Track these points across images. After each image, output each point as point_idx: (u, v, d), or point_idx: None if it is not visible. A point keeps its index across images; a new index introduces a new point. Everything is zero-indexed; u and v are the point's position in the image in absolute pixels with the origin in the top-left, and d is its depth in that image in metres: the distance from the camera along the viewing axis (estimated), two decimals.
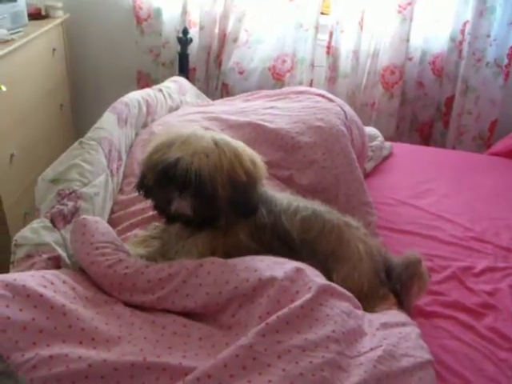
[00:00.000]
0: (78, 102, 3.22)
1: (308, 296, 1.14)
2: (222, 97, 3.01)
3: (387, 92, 2.98)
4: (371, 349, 1.13)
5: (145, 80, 3.14)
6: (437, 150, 2.77)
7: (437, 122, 3.12)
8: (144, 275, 1.24)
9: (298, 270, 1.22)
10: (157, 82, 2.95)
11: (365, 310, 1.37)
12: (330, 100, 2.02)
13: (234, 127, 1.86)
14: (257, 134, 1.83)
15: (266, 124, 1.84)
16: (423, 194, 2.23)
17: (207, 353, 1.09)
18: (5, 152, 2.39)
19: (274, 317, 1.09)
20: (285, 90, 2.21)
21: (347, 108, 2.07)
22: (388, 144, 2.52)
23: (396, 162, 2.50)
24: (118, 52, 3.23)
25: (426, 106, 3.09)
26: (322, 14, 2.95)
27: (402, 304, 1.49)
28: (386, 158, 2.48)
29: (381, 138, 2.47)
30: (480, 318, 1.57)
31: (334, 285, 1.24)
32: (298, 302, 1.12)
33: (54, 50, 2.88)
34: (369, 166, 2.30)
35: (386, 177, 2.34)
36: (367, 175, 2.30)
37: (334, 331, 1.10)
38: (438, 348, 1.45)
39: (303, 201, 1.49)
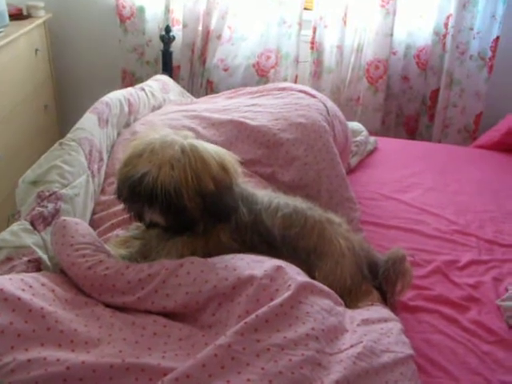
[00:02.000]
0: (62, 102, 3.19)
1: (287, 294, 1.14)
2: (206, 94, 3.00)
3: (372, 86, 2.98)
4: (351, 345, 1.12)
5: (129, 79, 3.12)
6: (422, 144, 2.77)
7: (422, 116, 3.13)
8: (124, 276, 1.23)
9: (278, 268, 1.21)
10: (141, 80, 2.94)
11: (348, 305, 1.37)
12: (312, 96, 2.01)
13: (216, 125, 1.85)
14: (239, 131, 1.82)
15: (248, 121, 1.83)
16: (408, 188, 2.24)
17: (187, 353, 1.08)
18: None
19: (252, 315, 1.09)
20: (267, 86, 2.20)
21: (330, 103, 2.06)
22: (373, 139, 2.52)
23: (381, 156, 2.50)
24: (101, 51, 3.21)
25: (411, 99, 3.10)
26: (306, 9, 2.94)
27: (386, 300, 1.50)
28: (371, 153, 2.48)
29: (365, 133, 2.46)
30: (464, 312, 1.58)
31: (314, 282, 1.24)
32: (277, 301, 1.12)
33: (36, 50, 2.86)
34: (353, 161, 2.30)
35: (371, 171, 2.34)
36: (352, 170, 2.30)
37: (313, 329, 1.10)
38: (422, 342, 1.46)
39: (284, 198, 1.49)
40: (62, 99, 3.21)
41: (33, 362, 1.01)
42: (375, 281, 1.49)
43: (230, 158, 1.37)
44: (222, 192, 1.32)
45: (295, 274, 1.22)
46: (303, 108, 1.87)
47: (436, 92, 3.02)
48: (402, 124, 3.17)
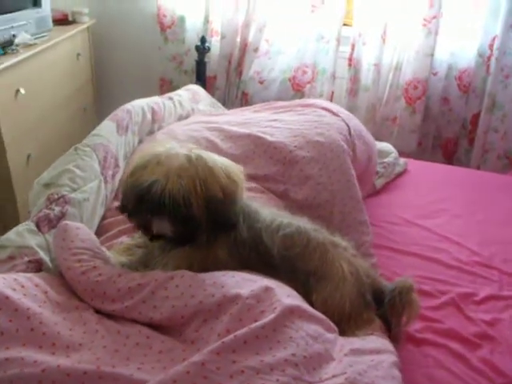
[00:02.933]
0: (101, 105, 3.27)
1: (271, 316, 1.11)
2: (241, 105, 3.01)
3: (409, 107, 2.90)
4: (333, 376, 1.08)
5: (167, 86, 3.17)
6: (456, 169, 2.67)
7: (461, 140, 3.02)
8: (115, 284, 1.23)
9: (267, 289, 1.18)
10: (178, 88, 2.94)
11: (345, 332, 1.33)
12: (335, 114, 1.97)
13: (234, 138, 1.84)
14: (256, 146, 1.81)
15: (266, 137, 1.81)
16: (433, 214, 2.15)
17: (164, 366, 1.07)
18: (22, 152, 2.45)
19: (231, 336, 1.06)
20: (294, 102, 2.18)
21: (354, 122, 2.02)
22: (402, 161, 2.44)
23: (410, 179, 2.42)
24: (141, 58, 3.28)
25: (450, 122, 3.00)
26: (345, 25, 2.90)
27: (389, 330, 1.44)
28: (399, 175, 2.41)
29: (395, 155, 2.39)
30: (475, 349, 1.49)
31: (304, 306, 1.20)
32: (259, 322, 1.09)
33: (78, 54, 2.95)
34: (379, 182, 2.24)
35: (397, 194, 2.27)
36: (377, 192, 2.24)
37: (293, 355, 1.06)
38: (423, 377, 1.39)
39: (289, 217, 1.45)
40: (101, 103, 3.29)
41: (11, 361, 1.02)
42: (380, 309, 1.44)
43: (235, 169, 1.36)
44: (230, 201, 1.31)
45: (284, 297, 1.18)
46: (323, 126, 1.84)
47: (477, 116, 2.90)
48: (440, 147, 3.07)
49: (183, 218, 1.26)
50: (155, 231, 1.32)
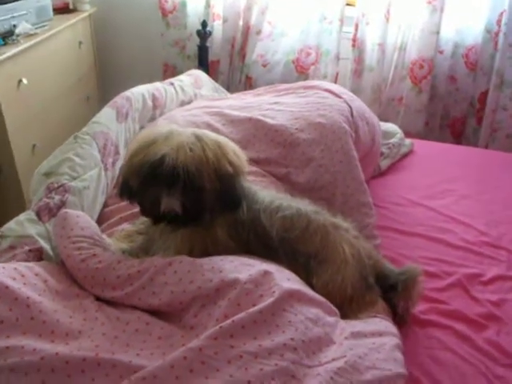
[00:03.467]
0: (104, 94, 3.26)
1: (269, 301, 1.10)
2: (245, 89, 2.97)
3: (416, 87, 2.86)
4: (333, 359, 1.07)
5: (170, 72, 3.15)
6: (463, 148, 2.63)
7: (469, 119, 2.96)
8: (115, 271, 1.23)
9: (266, 273, 1.17)
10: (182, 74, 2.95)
11: (347, 315, 1.32)
12: (338, 96, 1.94)
13: (235, 122, 1.83)
14: (256, 129, 1.79)
15: (267, 120, 1.79)
16: (440, 195, 2.12)
17: (163, 352, 1.07)
18: (27, 142, 2.46)
19: (229, 320, 1.06)
20: (296, 84, 2.15)
21: (357, 104, 1.98)
22: (408, 141, 2.41)
23: (416, 160, 2.39)
24: (144, 44, 3.26)
25: (457, 101, 2.94)
26: (348, 5, 2.85)
27: (394, 312, 1.43)
28: (405, 156, 2.37)
29: (400, 135, 2.36)
30: (480, 330, 1.47)
31: (304, 289, 1.19)
32: (257, 307, 1.08)
33: (80, 42, 2.94)
34: (384, 163, 2.21)
35: (402, 175, 2.24)
36: (382, 173, 2.22)
37: (292, 339, 1.06)
38: (428, 359, 1.38)
39: (289, 199, 1.44)
40: (105, 91, 3.28)
41: (11, 350, 1.03)
42: (385, 293, 1.43)
43: (239, 148, 1.37)
44: (238, 177, 1.32)
45: (283, 281, 1.17)
46: (325, 108, 1.81)
47: (485, 94, 2.84)
48: (447, 126, 3.02)
49: (196, 190, 1.25)
50: (163, 208, 1.26)
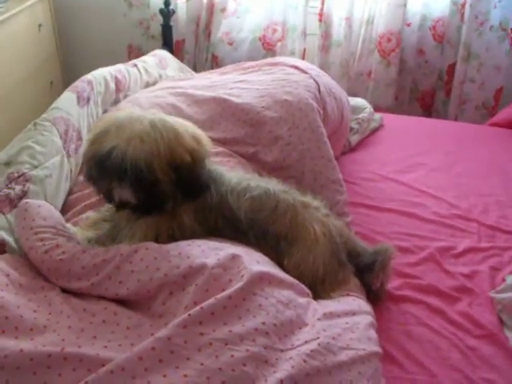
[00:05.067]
0: (69, 78, 3.16)
1: (239, 285, 1.07)
2: (212, 68, 2.92)
3: (384, 60, 2.84)
4: (306, 342, 1.06)
5: (135, 53, 3.07)
6: (433, 121, 2.63)
7: (438, 91, 2.96)
8: (79, 261, 1.20)
9: (234, 256, 1.15)
10: None
11: (320, 295, 1.31)
12: (304, 71, 1.90)
13: (200, 102, 1.78)
14: (222, 109, 1.75)
15: (232, 99, 1.75)
16: (411, 169, 2.12)
17: (131, 343, 1.04)
18: None
19: (197, 307, 1.03)
20: (262, 61, 2.10)
21: (324, 79, 1.95)
22: (378, 116, 2.39)
23: (386, 134, 2.38)
24: (107, 26, 3.16)
25: (426, 74, 2.94)
26: None
27: (367, 289, 1.43)
28: (375, 131, 2.36)
29: (369, 110, 2.34)
30: (453, 303, 1.49)
31: (274, 271, 1.17)
32: (226, 292, 1.06)
33: (39, 25, 2.83)
34: (354, 139, 2.20)
35: (372, 150, 2.23)
36: (352, 149, 2.20)
37: (263, 323, 1.04)
38: (402, 335, 1.38)
39: (257, 180, 1.41)
40: (69, 75, 3.17)
41: None
42: (358, 271, 1.43)
43: (202, 132, 1.31)
44: (198, 164, 1.27)
45: (252, 263, 1.15)
46: (291, 85, 1.77)
47: (453, 66, 2.84)
48: (417, 100, 3.02)
49: (146, 184, 1.20)
50: (117, 199, 1.26)
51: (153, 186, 1.22)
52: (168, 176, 1.22)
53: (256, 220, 1.32)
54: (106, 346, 1.03)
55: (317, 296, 1.29)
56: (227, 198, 1.31)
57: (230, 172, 1.41)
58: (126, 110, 1.31)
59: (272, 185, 1.39)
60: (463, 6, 2.73)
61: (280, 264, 1.30)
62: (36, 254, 1.22)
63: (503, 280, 1.57)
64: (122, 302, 1.16)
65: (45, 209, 1.34)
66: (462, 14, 2.75)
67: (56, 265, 1.20)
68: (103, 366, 0.97)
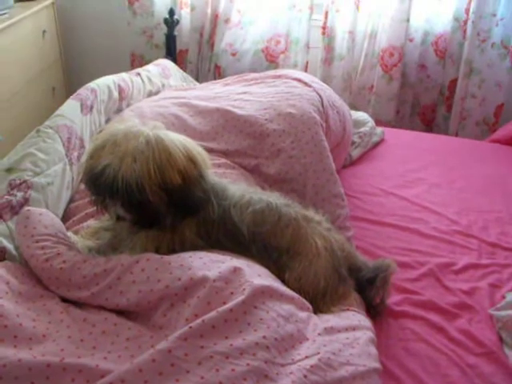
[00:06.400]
0: (71, 84, 3.17)
1: (240, 298, 1.07)
2: (214, 79, 2.94)
3: (386, 75, 2.85)
4: (306, 356, 1.05)
5: (138, 62, 3.08)
6: (434, 137, 2.64)
7: (440, 107, 2.98)
8: (80, 270, 1.19)
9: (236, 269, 1.14)
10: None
11: (320, 309, 1.31)
12: (307, 85, 1.91)
13: (203, 113, 1.78)
14: (225, 120, 1.75)
15: (236, 110, 1.75)
16: (412, 184, 2.12)
17: (131, 354, 1.03)
18: None
19: (199, 320, 1.02)
20: (265, 73, 2.11)
21: (327, 93, 1.96)
22: (380, 130, 2.40)
23: (388, 149, 2.38)
24: (111, 33, 3.18)
25: (428, 89, 2.95)
26: None
27: (367, 304, 1.42)
28: (376, 145, 2.37)
29: (371, 124, 2.35)
30: (453, 320, 1.48)
31: (275, 285, 1.17)
32: (227, 305, 1.05)
33: (44, 31, 2.84)
34: (355, 152, 2.20)
35: (374, 165, 2.23)
36: (353, 163, 2.21)
37: (264, 337, 1.03)
38: (402, 351, 1.38)
39: (259, 193, 1.41)
40: (72, 82, 3.18)
41: None
42: (359, 286, 1.43)
43: (198, 149, 1.30)
44: (190, 185, 1.25)
45: (254, 277, 1.14)
46: (294, 98, 1.78)
47: (454, 82, 2.86)
48: (418, 114, 3.03)
49: (137, 203, 1.21)
50: (112, 214, 1.29)
51: (144, 205, 1.22)
52: (159, 197, 1.21)
53: (258, 234, 1.32)
54: (105, 357, 1.02)
55: (317, 310, 1.29)
56: (230, 211, 1.31)
57: (233, 185, 1.40)
58: (126, 122, 1.29)
59: (274, 198, 1.39)
60: (465, 22, 2.76)
61: (281, 277, 1.30)
62: (36, 262, 1.21)
63: (503, 297, 1.57)
64: (122, 312, 1.16)
65: (46, 217, 1.33)
66: (464, 31, 2.77)
67: (56, 274, 1.19)
68: (102, 377, 0.96)
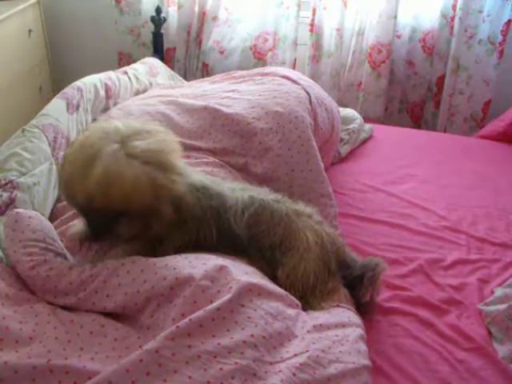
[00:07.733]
0: (58, 83, 3.14)
1: (227, 297, 1.07)
2: (202, 77, 2.92)
3: (374, 71, 2.85)
4: (295, 354, 1.05)
5: (126, 60, 3.06)
6: (422, 133, 2.64)
7: (428, 103, 2.99)
8: (66, 277, 1.18)
9: (222, 267, 1.14)
10: None
11: (311, 304, 1.31)
12: (295, 82, 1.90)
13: (190, 111, 1.77)
14: (213, 118, 1.74)
15: (223, 109, 1.74)
16: (400, 180, 2.12)
17: (119, 355, 1.03)
18: None
19: (186, 319, 1.02)
20: (253, 71, 2.10)
21: (315, 90, 1.95)
22: (368, 126, 2.40)
23: (376, 145, 2.38)
24: (98, 32, 3.15)
25: (416, 85, 2.96)
26: None
27: (356, 300, 1.42)
28: (365, 142, 2.36)
29: (359, 121, 2.34)
30: (442, 315, 1.47)
31: (262, 283, 1.16)
32: (214, 304, 1.05)
33: (29, 30, 2.82)
34: (344, 149, 2.20)
35: (362, 161, 2.23)
36: (342, 160, 2.20)
37: (252, 335, 1.03)
38: (392, 348, 1.37)
39: (249, 190, 1.41)
40: (58, 81, 3.16)
41: None
42: (348, 282, 1.42)
43: (172, 169, 1.23)
44: (151, 211, 1.21)
45: (240, 275, 1.14)
46: (282, 95, 1.77)
47: (442, 78, 2.87)
48: (406, 111, 3.03)
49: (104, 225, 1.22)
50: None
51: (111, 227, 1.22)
52: (123, 221, 1.21)
53: (254, 235, 1.33)
54: (92, 358, 1.01)
55: (308, 306, 1.29)
56: (227, 218, 1.31)
57: (222, 184, 1.39)
58: (103, 127, 1.24)
59: (264, 194, 1.39)
60: (453, 19, 2.76)
61: (274, 274, 1.30)
62: (22, 268, 1.20)
63: (492, 292, 1.57)
64: (110, 314, 1.15)
65: (35, 221, 1.31)
66: (452, 27, 2.77)
67: (42, 281, 1.18)
68: (90, 378, 0.96)
